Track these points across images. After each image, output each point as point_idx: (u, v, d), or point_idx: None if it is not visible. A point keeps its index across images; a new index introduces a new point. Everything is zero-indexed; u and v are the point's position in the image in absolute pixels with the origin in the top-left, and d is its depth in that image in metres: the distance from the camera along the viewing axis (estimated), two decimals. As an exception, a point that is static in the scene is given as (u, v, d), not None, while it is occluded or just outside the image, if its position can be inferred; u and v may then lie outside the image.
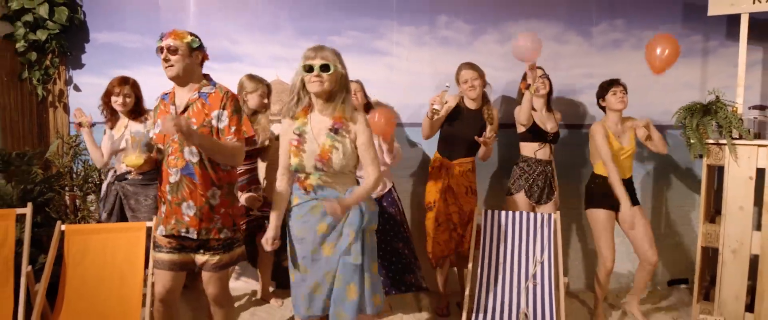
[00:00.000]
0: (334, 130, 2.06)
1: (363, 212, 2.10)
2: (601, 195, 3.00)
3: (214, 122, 2.09)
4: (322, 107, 2.10)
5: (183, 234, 2.12)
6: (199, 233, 2.11)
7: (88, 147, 2.97)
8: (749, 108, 3.72)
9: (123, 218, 2.92)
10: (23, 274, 2.50)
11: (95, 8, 3.63)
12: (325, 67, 2.00)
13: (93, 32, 3.65)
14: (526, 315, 2.54)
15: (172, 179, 2.11)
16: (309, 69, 2.01)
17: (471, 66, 3.02)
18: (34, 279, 2.57)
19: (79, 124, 2.93)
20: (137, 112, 2.97)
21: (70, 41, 3.60)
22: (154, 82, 3.45)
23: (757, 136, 3.33)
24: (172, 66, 2.07)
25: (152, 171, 2.82)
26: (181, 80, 2.12)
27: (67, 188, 3.50)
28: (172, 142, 2.11)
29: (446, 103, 2.91)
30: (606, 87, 3.01)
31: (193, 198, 2.10)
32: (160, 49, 2.09)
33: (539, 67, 3.07)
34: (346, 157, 2.07)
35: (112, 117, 2.99)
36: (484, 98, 3.09)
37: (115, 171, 2.98)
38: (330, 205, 1.98)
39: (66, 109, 3.69)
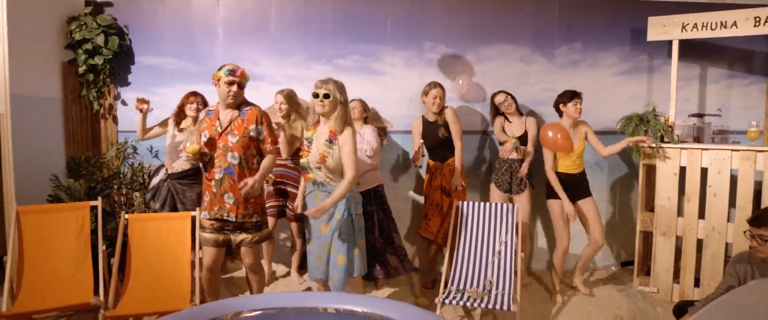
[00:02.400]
0: (329, 141, 2.77)
1: (348, 201, 2.80)
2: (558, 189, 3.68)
3: (252, 133, 2.80)
4: (324, 122, 2.83)
5: (224, 218, 2.83)
6: (236, 217, 2.83)
7: (138, 126, 3.70)
8: (689, 116, 4.45)
9: (174, 208, 3.64)
10: (100, 252, 3.21)
11: (140, 36, 4.33)
12: (326, 96, 2.73)
13: (138, 56, 4.35)
14: (490, 282, 3.25)
15: (217, 176, 2.82)
16: (316, 95, 2.73)
17: (438, 85, 3.76)
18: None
19: (141, 109, 3.64)
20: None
21: (119, 64, 4.30)
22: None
23: (697, 140, 4.03)
24: (236, 96, 2.77)
25: (196, 173, 3.58)
26: (234, 104, 2.82)
27: (115, 187, 4.22)
28: (218, 149, 2.82)
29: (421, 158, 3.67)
30: (570, 96, 3.62)
31: (232, 191, 2.81)
32: (231, 82, 2.76)
33: (505, 92, 3.80)
34: (335, 160, 2.78)
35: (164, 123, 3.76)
36: (441, 109, 3.81)
37: (167, 170, 3.69)
38: (310, 212, 2.70)
39: (115, 120, 4.40)
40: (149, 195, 3.79)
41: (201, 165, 2.96)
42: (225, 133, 2.79)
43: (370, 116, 3.94)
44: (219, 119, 2.85)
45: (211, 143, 2.82)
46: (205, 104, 3.71)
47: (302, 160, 2.86)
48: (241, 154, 2.80)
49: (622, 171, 4.39)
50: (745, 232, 2.51)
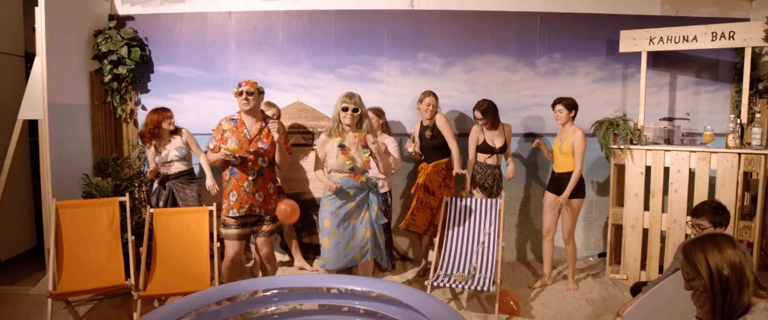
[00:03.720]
0: (364, 146, 3.22)
1: (377, 195, 3.32)
2: (552, 184, 4.05)
3: (274, 129, 3.22)
4: (352, 132, 3.25)
5: (255, 213, 3.25)
6: (263, 211, 3.27)
7: (151, 161, 4.05)
8: (660, 120, 4.87)
9: (175, 205, 4.00)
10: (130, 241, 3.63)
11: (159, 47, 4.75)
12: (355, 110, 3.17)
13: (157, 65, 4.76)
14: (474, 268, 3.66)
15: (250, 177, 3.24)
16: (345, 109, 3.16)
17: (432, 94, 4.17)
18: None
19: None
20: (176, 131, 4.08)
21: (140, 73, 4.71)
22: (202, 103, 4.68)
23: (667, 141, 4.43)
24: (248, 103, 3.19)
25: (190, 173, 4.01)
26: (251, 112, 3.25)
27: (136, 184, 4.63)
28: (248, 154, 3.23)
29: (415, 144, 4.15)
30: (552, 105, 3.99)
31: (261, 190, 3.25)
32: (241, 92, 3.19)
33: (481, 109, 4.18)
34: (374, 163, 3.29)
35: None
36: (433, 115, 4.22)
37: (166, 174, 4.01)
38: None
39: (135, 123, 4.81)
40: (154, 198, 4.07)
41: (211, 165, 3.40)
42: (254, 140, 3.22)
43: (386, 122, 4.34)
44: (246, 127, 3.27)
45: (240, 148, 3.23)
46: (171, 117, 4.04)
47: (347, 163, 3.22)
48: (270, 158, 3.24)
49: (600, 171, 4.80)
50: (687, 222, 2.93)
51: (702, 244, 1.68)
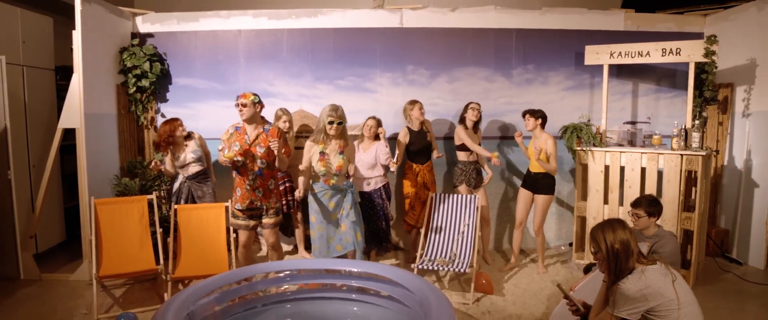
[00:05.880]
0: (341, 153, 3.82)
1: (353, 195, 3.89)
2: (526, 182, 4.65)
3: (272, 145, 3.79)
4: (334, 140, 3.86)
5: (256, 206, 3.83)
6: (264, 205, 3.83)
7: (169, 167, 4.51)
8: (623, 123, 5.45)
9: (193, 202, 4.55)
10: (158, 233, 4.22)
11: (177, 62, 5.32)
12: (340, 123, 3.77)
13: (174, 77, 5.34)
14: (455, 254, 4.26)
15: (251, 176, 3.81)
16: (331, 123, 3.76)
17: (416, 102, 4.74)
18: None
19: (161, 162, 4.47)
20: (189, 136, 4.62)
21: (160, 84, 5.29)
22: (216, 111, 5.27)
23: (631, 143, 5.01)
24: (243, 113, 3.75)
25: (205, 173, 4.55)
26: (249, 120, 3.81)
27: (157, 185, 5.21)
28: (249, 157, 3.80)
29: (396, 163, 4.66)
30: (522, 115, 4.61)
31: (261, 186, 3.82)
32: (238, 104, 3.76)
33: (477, 103, 4.76)
34: (345, 166, 3.85)
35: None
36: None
37: (183, 176, 4.55)
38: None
39: (156, 130, 5.38)
40: (174, 198, 4.60)
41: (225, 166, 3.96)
42: (253, 145, 3.79)
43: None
44: (247, 133, 3.84)
45: (243, 151, 3.81)
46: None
47: (320, 168, 3.86)
48: (269, 160, 3.82)
49: (569, 169, 5.39)
50: (628, 212, 3.52)
51: (602, 227, 2.28)
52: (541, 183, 4.55)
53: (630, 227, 2.33)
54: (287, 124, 4.67)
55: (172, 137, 4.45)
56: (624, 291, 2.18)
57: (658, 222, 3.50)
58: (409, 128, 4.82)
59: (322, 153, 3.89)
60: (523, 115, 4.58)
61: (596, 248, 2.29)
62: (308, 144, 3.96)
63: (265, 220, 3.91)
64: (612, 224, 2.29)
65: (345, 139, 3.91)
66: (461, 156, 4.79)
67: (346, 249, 3.94)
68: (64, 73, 5.38)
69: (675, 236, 3.41)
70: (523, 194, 4.63)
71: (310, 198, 3.97)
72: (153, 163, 4.32)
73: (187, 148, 4.55)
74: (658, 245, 3.31)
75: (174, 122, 4.49)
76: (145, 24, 5.29)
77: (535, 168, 4.55)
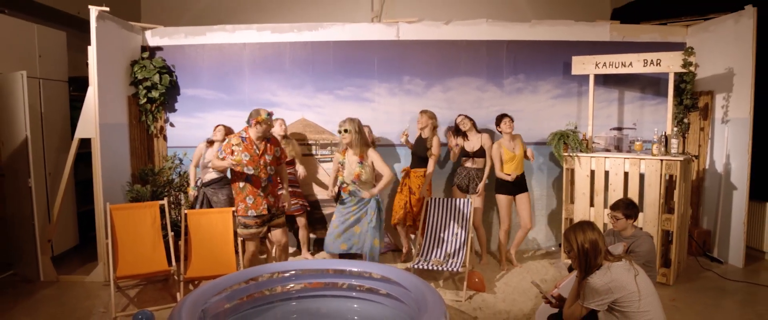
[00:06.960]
0: (359, 162, 4.14)
1: (378, 201, 4.25)
2: (502, 186, 4.96)
3: (276, 153, 4.07)
4: (351, 149, 4.20)
5: (269, 211, 4.10)
6: (273, 209, 4.11)
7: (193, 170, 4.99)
8: (610, 129, 5.72)
9: (209, 207, 4.86)
10: (170, 237, 4.49)
11: (185, 73, 5.60)
12: (346, 131, 4.12)
13: (183, 88, 5.62)
14: (448, 254, 4.53)
15: (263, 184, 4.08)
16: (340, 132, 4.14)
17: (425, 112, 5.02)
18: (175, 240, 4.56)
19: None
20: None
21: (169, 95, 5.56)
22: (222, 121, 5.57)
23: (617, 148, 5.28)
24: (266, 131, 4.01)
25: (222, 180, 4.84)
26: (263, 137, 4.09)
27: (167, 191, 5.48)
28: (260, 166, 4.06)
29: (407, 135, 4.99)
30: (500, 118, 4.92)
31: (271, 193, 4.10)
32: (261, 122, 3.98)
33: (465, 116, 5.04)
34: (367, 174, 4.18)
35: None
36: (433, 130, 5.06)
37: (201, 181, 4.90)
38: (367, 193, 4.16)
39: (165, 138, 5.66)
40: (198, 204, 4.97)
41: (228, 173, 4.28)
42: (263, 154, 4.07)
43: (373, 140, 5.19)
44: (255, 144, 4.10)
45: (252, 161, 4.07)
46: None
47: (339, 177, 4.28)
48: (274, 167, 4.10)
49: (554, 172, 5.66)
50: (607, 214, 3.79)
51: (574, 229, 2.55)
52: (522, 183, 4.94)
53: (599, 228, 2.60)
54: (283, 127, 4.98)
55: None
56: (592, 284, 2.46)
57: (640, 223, 3.76)
58: (421, 133, 5.10)
59: (341, 163, 4.29)
60: (502, 120, 4.92)
61: (569, 247, 2.56)
62: (335, 156, 4.43)
63: (276, 221, 4.19)
64: (582, 226, 2.56)
65: (364, 146, 4.25)
66: (467, 162, 5.04)
67: (352, 249, 4.26)
68: (77, 84, 5.66)
69: (651, 236, 3.67)
70: (505, 199, 4.93)
71: (339, 202, 4.41)
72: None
73: (209, 151, 4.89)
74: (635, 245, 3.57)
75: (221, 125, 5.02)
76: (154, 38, 5.57)
77: (514, 169, 4.85)
